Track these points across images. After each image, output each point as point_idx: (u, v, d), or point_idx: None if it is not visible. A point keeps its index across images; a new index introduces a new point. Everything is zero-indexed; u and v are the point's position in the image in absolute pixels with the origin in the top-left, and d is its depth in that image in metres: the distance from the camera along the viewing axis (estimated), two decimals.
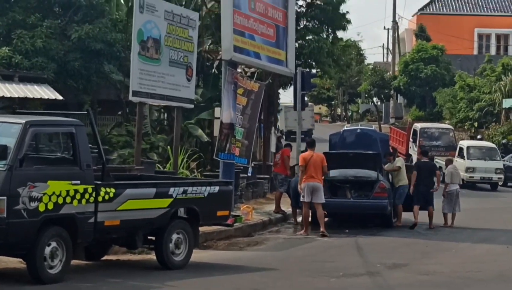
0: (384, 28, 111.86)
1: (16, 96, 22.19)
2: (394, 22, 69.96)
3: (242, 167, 21.66)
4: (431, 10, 70.24)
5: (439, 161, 32.81)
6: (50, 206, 11.61)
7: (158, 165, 23.81)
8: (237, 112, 19.27)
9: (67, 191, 11.82)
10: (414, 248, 17.53)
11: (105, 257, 14.18)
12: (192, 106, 21.05)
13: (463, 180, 31.15)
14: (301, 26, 32.24)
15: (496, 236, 20.00)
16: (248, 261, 14.86)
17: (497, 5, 70.44)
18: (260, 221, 20.16)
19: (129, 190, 12.80)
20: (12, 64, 24.89)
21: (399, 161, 21.92)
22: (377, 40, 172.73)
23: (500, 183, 36.34)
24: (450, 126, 45.45)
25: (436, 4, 70.49)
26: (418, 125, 43.17)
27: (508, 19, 68.40)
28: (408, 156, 40.29)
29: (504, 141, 45.08)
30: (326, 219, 20.36)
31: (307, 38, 32.24)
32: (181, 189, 13.58)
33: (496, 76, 51.93)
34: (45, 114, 14.33)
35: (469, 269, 14.80)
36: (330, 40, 33.26)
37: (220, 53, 19.88)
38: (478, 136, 46.11)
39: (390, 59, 75.05)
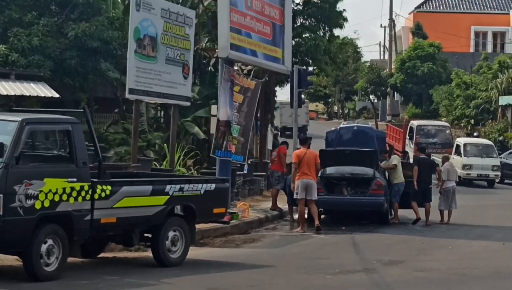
0: (381, 26, 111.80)
1: (13, 94, 22.20)
2: (391, 20, 69.99)
3: (238, 165, 21.65)
4: (428, 8, 70.27)
5: (436, 158, 32.78)
6: (47, 204, 11.62)
7: (155, 162, 23.77)
8: (234, 109, 19.27)
9: (64, 189, 11.83)
10: (410, 245, 17.54)
11: (101, 255, 14.18)
12: (188, 103, 21.05)
13: (459, 177, 31.12)
14: (298, 24, 32.27)
15: (493, 233, 20.02)
16: (245, 258, 14.87)
17: (494, 3, 70.49)
18: (256, 218, 20.16)
19: (126, 187, 12.80)
20: (9, 62, 24.88)
21: (395, 159, 21.94)
22: (374, 38, 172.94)
23: (497, 180, 36.32)
24: (446, 124, 45.44)
25: (433, 2, 70.53)
26: (414, 123, 43.20)
27: (504, 17, 68.42)
28: (404, 153, 40.35)
29: (500, 138, 45.13)
30: (322, 216, 20.43)
31: (303, 36, 32.22)
32: (178, 186, 13.58)
33: (492, 74, 51.95)
34: (42, 112, 14.34)
35: (465, 265, 14.82)
36: (327, 38, 33.27)
37: (216, 51, 19.92)
38: (475, 134, 46.18)
39: (386, 56, 75.04)
